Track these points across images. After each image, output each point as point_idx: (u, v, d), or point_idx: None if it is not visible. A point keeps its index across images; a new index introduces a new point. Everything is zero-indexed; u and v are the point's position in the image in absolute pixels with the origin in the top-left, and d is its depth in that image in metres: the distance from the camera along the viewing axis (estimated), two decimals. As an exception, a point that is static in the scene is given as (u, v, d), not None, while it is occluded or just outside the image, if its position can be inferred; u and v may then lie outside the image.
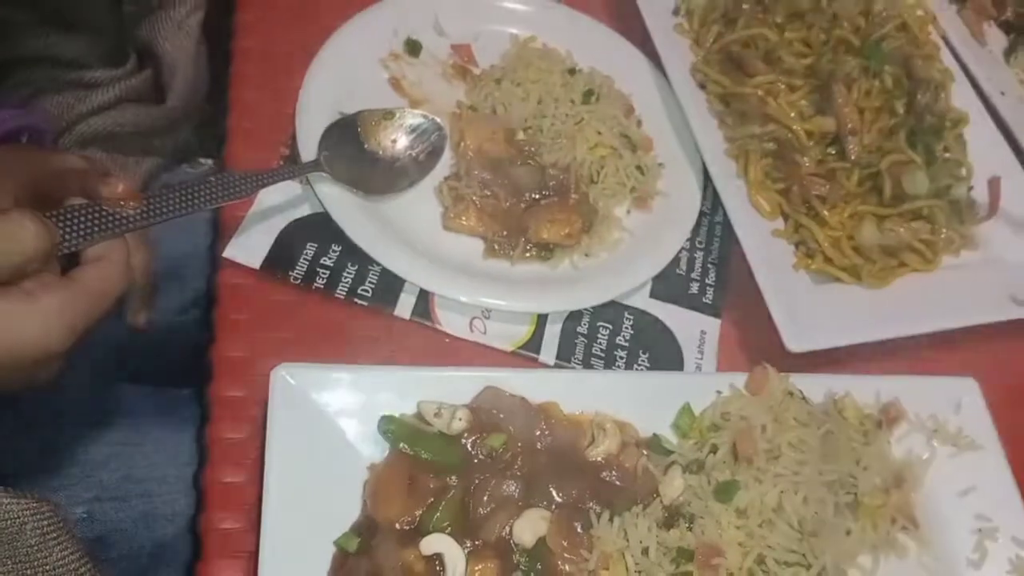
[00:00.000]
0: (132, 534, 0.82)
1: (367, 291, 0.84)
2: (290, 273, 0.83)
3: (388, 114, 0.93)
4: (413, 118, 0.94)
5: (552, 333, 0.87)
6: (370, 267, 0.85)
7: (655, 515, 0.74)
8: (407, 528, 0.70)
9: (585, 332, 0.89)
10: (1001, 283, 0.99)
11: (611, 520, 0.73)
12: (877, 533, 0.80)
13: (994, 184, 1.05)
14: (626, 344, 0.89)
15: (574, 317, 0.89)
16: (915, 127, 1.01)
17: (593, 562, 0.70)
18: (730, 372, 0.85)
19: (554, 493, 0.73)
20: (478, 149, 0.92)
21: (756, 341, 0.90)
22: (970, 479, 0.84)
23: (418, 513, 0.71)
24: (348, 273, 0.85)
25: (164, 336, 0.97)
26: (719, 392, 0.82)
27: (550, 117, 0.95)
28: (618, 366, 0.87)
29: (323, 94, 0.92)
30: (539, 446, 0.75)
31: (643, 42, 1.05)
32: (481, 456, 0.74)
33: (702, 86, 1.05)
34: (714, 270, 0.96)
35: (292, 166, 0.87)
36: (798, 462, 0.76)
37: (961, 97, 1.11)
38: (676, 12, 1.10)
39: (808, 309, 0.90)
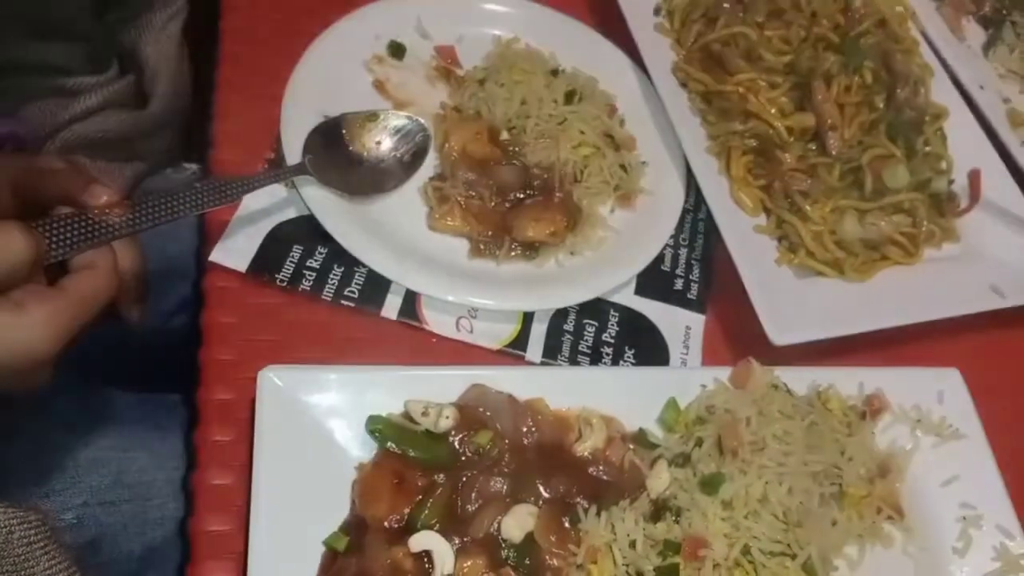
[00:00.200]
0: (122, 538, 0.83)
1: (354, 292, 0.85)
2: (276, 276, 0.84)
3: (372, 116, 0.94)
4: (397, 120, 0.95)
5: (538, 331, 0.88)
6: (356, 269, 0.86)
7: (642, 509, 0.75)
8: (396, 526, 0.71)
9: (571, 329, 0.89)
10: (983, 274, 1.00)
11: (598, 514, 0.73)
12: (862, 523, 0.81)
13: (974, 177, 1.06)
14: (612, 341, 0.90)
15: (560, 315, 0.89)
16: (895, 121, 1.03)
17: (581, 556, 0.71)
18: (715, 366, 0.86)
19: (541, 489, 0.74)
20: (462, 150, 0.93)
21: (741, 336, 0.91)
22: (954, 468, 0.85)
23: (406, 511, 0.71)
24: (334, 275, 0.85)
25: (152, 341, 0.97)
26: (704, 386, 0.83)
27: (534, 117, 0.96)
28: (604, 362, 0.88)
29: (307, 98, 0.93)
30: (526, 442, 0.76)
31: (625, 42, 1.06)
32: (468, 453, 0.74)
33: (684, 84, 1.06)
34: (698, 266, 0.97)
35: (277, 170, 0.87)
36: (783, 453, 0.77)
37: (941, 92, 1.12)
38: (657, 12, 1.11)
39: (791, 303, 0.91)
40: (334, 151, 0.91)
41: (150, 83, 0.88)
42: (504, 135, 0.95)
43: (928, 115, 1.07)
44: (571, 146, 0.95)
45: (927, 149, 1.05)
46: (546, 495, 0.74)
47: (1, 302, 0.57)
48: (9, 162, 0.66)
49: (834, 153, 1.00)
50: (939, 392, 0.89)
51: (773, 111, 1.01)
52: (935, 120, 1.08)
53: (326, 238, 0.85)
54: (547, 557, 0.71)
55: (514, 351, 0.86)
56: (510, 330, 0.87)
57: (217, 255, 0.83)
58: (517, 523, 0.71)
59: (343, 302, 0.84)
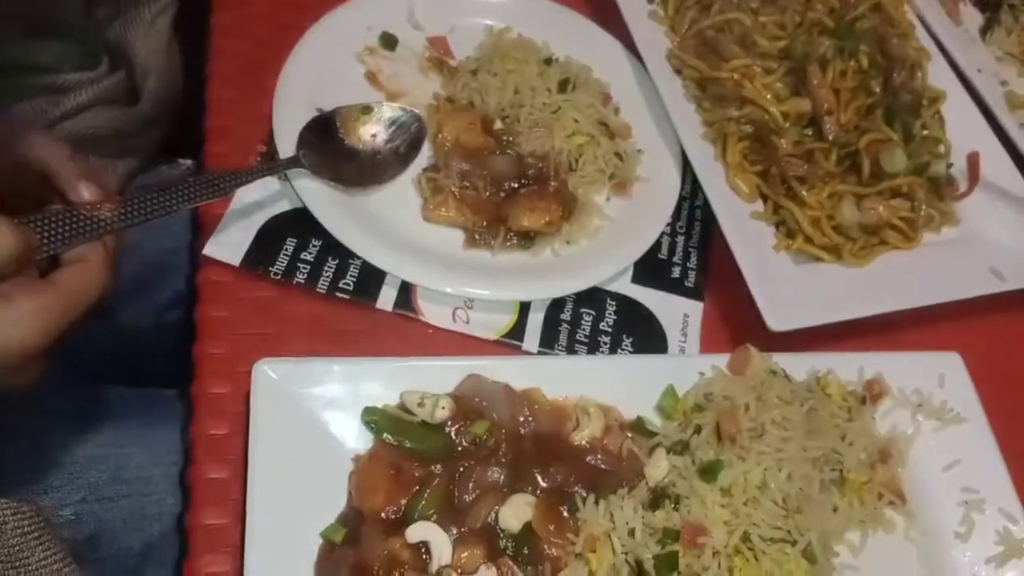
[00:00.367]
0: (121, 534, 0.82)
1: (348, 285, 0.85)
2: (270, 269, 0.83)
3: (366, 109, 0.94)
4: (391, 111, 0.94)
5: (535, 321, 0.87)
6: (351, 261, 0.85)
7: (641, 497, 0.74)
8: (393, 517, 0.70)
9: (568, 319, 0.89)
10: (982, 258, 0.99)
11: (597, 503, 0.73)
12: (864, 509, 0.80)
13: (973, 160, 1.06)
14: (609, 329, 0.89)
15: (557, 304, 0.89)
16: (892, 105, 1.02)
17: (580, 545, 0.70)
18: (713, 353, 0.86)
19: (539, 478, 0.73)
20: (456, 140, 0.93)
21: (739, 322, 0.90)
22: (956, 453, 0.85)
23: (403, 502, 0.71)
24: (329, 267, 0.85)
25: (147, 337, 0.97)
26: (702, 373, 0.83)
27: (527, 107, 0.95)
28: (602, 351, 0.87)
29: (299, 90, 0.92)
30: (523, 432, 0.75)
31: (619, 30, 1.06)
32: (465, 444, 0.74)
33: (678, 72, 1.05)
34: (695, 254, 0.97)
35: (270, 162, 0.87)
36: (782, 439, 0.76)
37: (938, 75, 1.11)
38: (651, -1, 1.10)
39: (789, 289, 0.91)
40: (328, 144, 0.90)
41: (140, 79, 0.88)
42: (498, 124, 0.95)
43: (925, 99, 1.06)
44: (565, 135, 0.94)
45: (925, 133, 1.04)
46: (544, 484, 0.73)
47: None
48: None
49: (831, 138, 0.99)
50: (940, 376, 0.88)
51: (768, 97, 1.00)
52: (933, 104, 1.07)
53: (320, 231, 0.85)
54: (545, 546, 0.70)
55: (511, 341, 0.86)
56: (507, 320, 0.87)
57: (210, 249, 0.83)
58: (515, 513, 0.71)
59: (338, 294, 0.84)
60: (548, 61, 1.00)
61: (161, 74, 0.88)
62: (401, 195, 0.91)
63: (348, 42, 0.98)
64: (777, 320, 0.86)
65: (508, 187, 0.91)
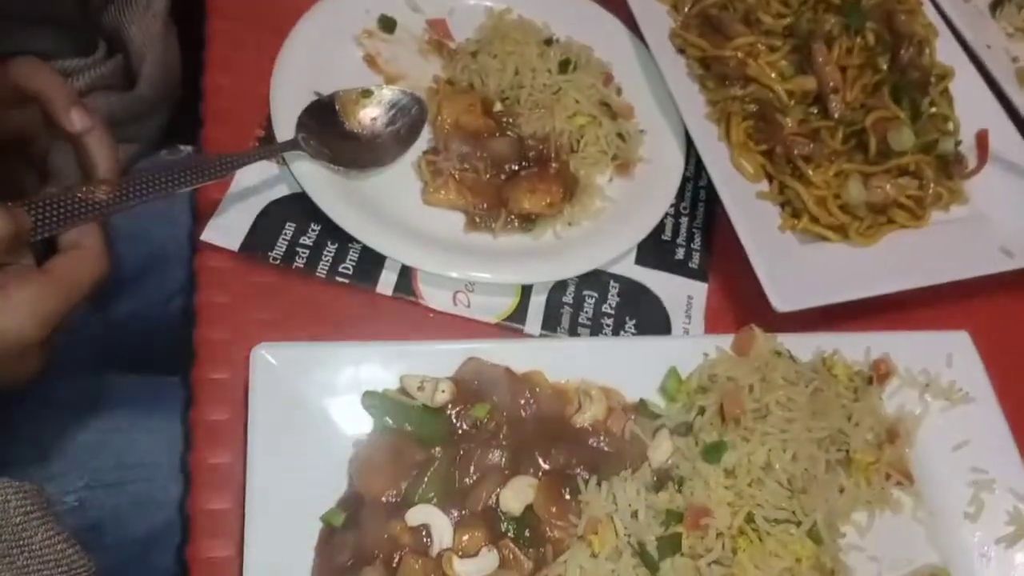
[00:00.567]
0: (125, 520, 0.82)
1: (348, 269, 0.84)
2: (269, 254, 0.83)
3: (366, 92, 0.93)
4: (391, 94, 0.94)
5: (537, 304, 0.87)
6: (350, 245, 0.85)
7: (644, 479, 0.73)
8: (393, 501, 0.70)
9: (570, 301, 0.88)
10: (991, 236, 0.98)
11: (599, 485, 0.72)
12: (871, 489, 0.79)
13: (982, 137, 1.04)
14: (612, 312, 0.88)
15: (559, 287, 0.88)
16: (899, 83, 1.00)
17: (581, 527, 0.70)
18: (717, 334, 0.85)
19: (541, 460, 0.73)
20: (455, 123, 0.92)
21: (744, 304, 0.89)
22: (964, 432, 0.84)
23: (404, 486, 0.70)
24: (328, 252, 0.84)
25: (151, 324, 0.97)
26: (706, 355, 0.82)
27: (527, 88, 0.94)
28: (605, 334, 0.87)
29: (297, 73, 0.92)
30: (524, 415, 0.75)
31: (620, 9, 1.04)
32: (466, 427, 0.73)
33: (681, 51, 1.03)
34: (699, 235, 0.96)
35: (269, 146, 0.86)
36: (786, 420, 0.76)
37: (946, 52, 1.09)
38: (653, -22, 1.08)
39: (795, 269, 0.89)
40: (328, 128, 0.90)
41: (137, 64, 0.87)
42: (498, 107, 0.94)
43: (934, 76, 1.04)
44: (566, 116, 0.93)
45: (933, 110, 1.02)
46: (545, 467, 0.73)
47: None
48: None
49: (836, 116, 0.97)
50: (948, 355, 0.87)
51: (773, 75, 0.99)
52: (941, 81, 1.05)
53: (319, 215, 0.84)
54: (547, 529, 0.70)
55: (513, 324, 0.85)
56: (508, 303, 0.86)
57: (208, 234, 0.83)
58: (516, 495, 0.70)
59: (338, 279, 0.83)
60: (548, 42, 0.99)
61: (157, 58, 0.88)
62: (401, 178, 0.90)
63: (346, 25, 0.97)
64: (782, 300, 0.85)
65: (509, 169, 0.91)
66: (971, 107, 1.05)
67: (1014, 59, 1.19)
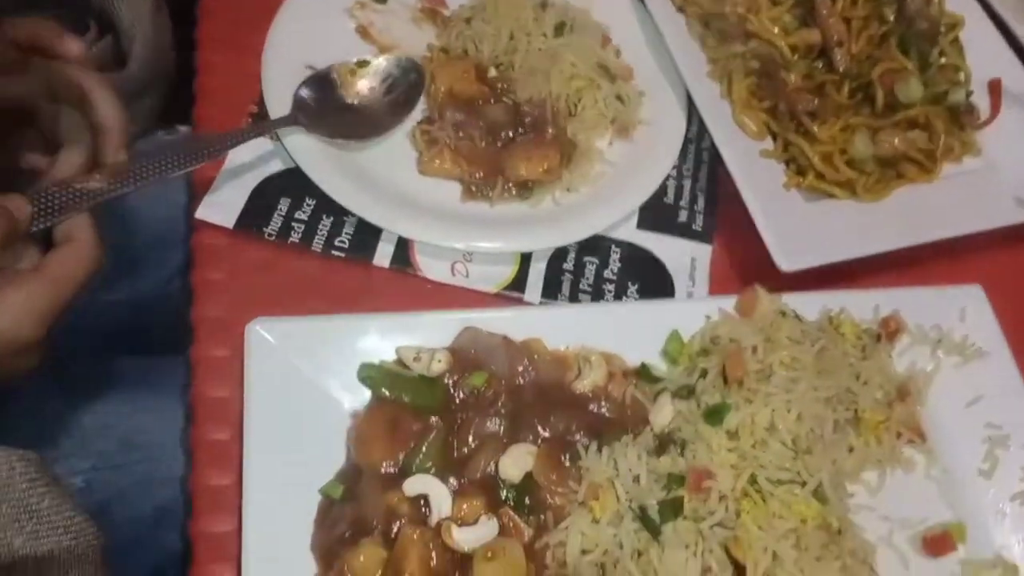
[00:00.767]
0: (132, 500, 0.83)
1: (344, 243, 0.83)
2: (264, 229, 0.82)
3: (362, 63, 0.92)
4: (388, 62, 0.92)
5: (537, 271, 0.86)
6: (346, 218, 0.84)
7: (645, 443, 0.72)
8: (391, 472, 0.70)
9: (571, 268, 0.87)
10: (1006, 187, 0.95)
11: (600, 451, 0.71)
12: (881, 448, 0.78)
13: (995, 87, 1.00)
14: (614, 278, 0.87)
15: (559, 254, 0.87)
16: (907, 34, 0.97)
17: (582, 493, 0.69)
18: (719, 296, 0.83)
19: (540, 428, 0.72)
20: (450, 91, 0.90)
21: (749, 265, 0.87)
22: (978, 388, 0.82)
23: (401, 456, 0.70)
24: (324, 226, 0.84)
25: (152, 305, 0.98)
26: (708, 317, 0.81)
27: (522, 52, 0.93)
28: (606, 300, 0.85)
29: (289, 47, 0.91)
30: (522, 382, 0.74)
31: (617, -30, 1.02)
32: (463, 396, 0.73)
33: (680, 9, 1.01)
34: (702, 196, 0.94)
35: (266, 121, 0.86)
36: (791, 380, 0.74)
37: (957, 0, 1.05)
38: (650, -65, 1.06)
39: (800, 227, 0.88)
40: (325, 101, 0.89)
41: (127, 44, 0.87)
42: (492, 72, 0.92)
43: (943, 25, 1.01)
44: (563, 79, 0.92)
45: (942, 60, 0.99)
46: (544, 434, 0.72)
47: None
48: None
49: (842, 70, 0.95)
50: (961, 310, 0.85)
51: (775, 30, 0.96)
52: (951, 30, 1.01)
53: (313, 189, 0.83)
54: (547, 496, 0.69)
55: (512, 293, 0.84)
56: (507, 272, 0.85)
57: (203, 212, 0.82)
58: (515, 463, 0.70)
59: (334, 253, 0.83)
60: (544, 5, 0.97)
61: (147, 38, 0.87)
62: (395, 150, 0.89)
63: (337, -3, 0.96)
64: (787, 260, 0.83)
65: (505, 136, 0.89)
66: (982, 55, 1.02)
67: (1028, 4, 1.15)
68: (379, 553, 0.65)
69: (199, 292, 0.80)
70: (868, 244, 0.87)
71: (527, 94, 0.91)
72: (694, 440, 0.71)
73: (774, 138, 0.95)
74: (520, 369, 0.74)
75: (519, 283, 0.85)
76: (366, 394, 0.73)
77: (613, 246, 0.89)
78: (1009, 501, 0.77)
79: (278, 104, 0.87)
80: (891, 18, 0.98)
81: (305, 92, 0.88)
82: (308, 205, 0.85)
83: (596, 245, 0.88)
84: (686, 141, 0.95)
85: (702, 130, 0.96)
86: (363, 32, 0.96)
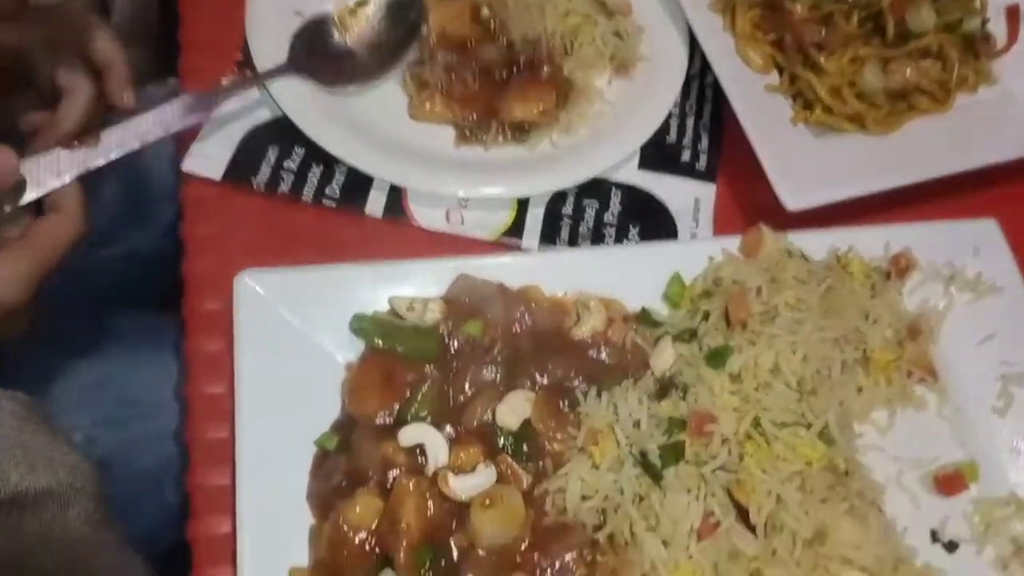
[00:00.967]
0: (133, 455, 0.83)
1: (334, 192, 0.81)
2: (253, 180, 0.81)
3: (360, 3, 0.88)
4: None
5: (535, 217, 0.83)
6: (336, 167, 0.82)
7: (646, 388, 0.71)
8: (387, 422, 0.68)
9: (570, 213, 0.84)
10: (1022, 117, 0.91)
11: (599, 396, 0.70)
12: (891, 388, 0.76)
13: (1013, 13, 0.97)
14: (614, 221, 0.85)
15: (557, 198, 0.85)
16: (918, -42, 0.92)
17: (581, 439, 0.68)
18: (722, 236, 0.81)
19: (537, 375, 0.71)
20: (442, 32, 0.87)
21: (755, 205, 0.85)
22: (992, 325, 0.79)
23: (396, 406, 0.69)
24: (313, 175, 0.82)
25: (148, 260, 0.96)
26: (711, 258, 0.78)
27: (515, -13, 0.89)
28: (607, 244, 0.83)
29: (274, -7, 0.88)
30: (519, 330, 0.72)
31: (613, -101, 0.97)
32: (458, 344, 0.71)
33: (680, -61, 0.97)
34: (706, 135, 0.91)
35: (265, 71, 0.83)
36: (796, 321, 0.72)
37: (973, -79, 1.00)
38: None
39: (807, 164, 0.85)
40: (321, 47, 0.86)
41: (109, -6, 0.85)
42: (484, 11, 0.89)
43: (957, -53, 0.96)
44: (558, 16, 0.88)
45: (958, -14, 0.94)
46: (543, 381, 0.71)
47: None
48: None
49: (850, -2, 0.91)
50: (975, 246, 0.82)
51: (780, -42, 0.92)
52: (965, -48, 0.97)
53: (302, 138, 0.81)
54: (546, 442, 0.68)
55: (510, 240, 0.82)
56: (504, 218, 0.83)
57: (189, 164, 0.81)
58: (512, 410, 0.68)
59: (324, 203, 0.81)
60: (538, -61, 0.93)
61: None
62: (385, 95, 0.87)
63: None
64: (793, 198, 0.80)
65: (498, 77, 0.86)
66: (999, -22, 0.97)
67: (1049, -77, 1.09)
68: (375, 503, 0.64)
69: (189, 246, 0.79)
70: (878, 180, 0.84)
71: (521, 32, 0.87)
72: (696, 384, 0.69)
73: (780, 72, 0.91)
74: (517, 316, 0.72)
75: (516, 229, 0.82)
76: (359, 345, 0.72)
77: (613, 188, 0.86)
78: (1024, 439, 0.75)
79: (264, 51, 0.84)
80: (902, -58, 0.93)
81: (301, 38, 0.85)
82: (297, 154, 0.82)
83: (596, 188, 0.86)
84: (688, 77, 0.92)
85: (705, 65, 0.92)
86: (351, -26, 0.92)
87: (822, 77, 0.88)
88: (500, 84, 0.86)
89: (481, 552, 0.64)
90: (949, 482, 0.72)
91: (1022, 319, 0.79)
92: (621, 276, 0.77)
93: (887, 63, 0.90)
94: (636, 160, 0.88)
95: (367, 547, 0.64)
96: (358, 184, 0.82)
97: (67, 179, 0.64)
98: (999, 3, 0.96)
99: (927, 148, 0.88)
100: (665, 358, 0.71)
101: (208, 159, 0.81)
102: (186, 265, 0.78)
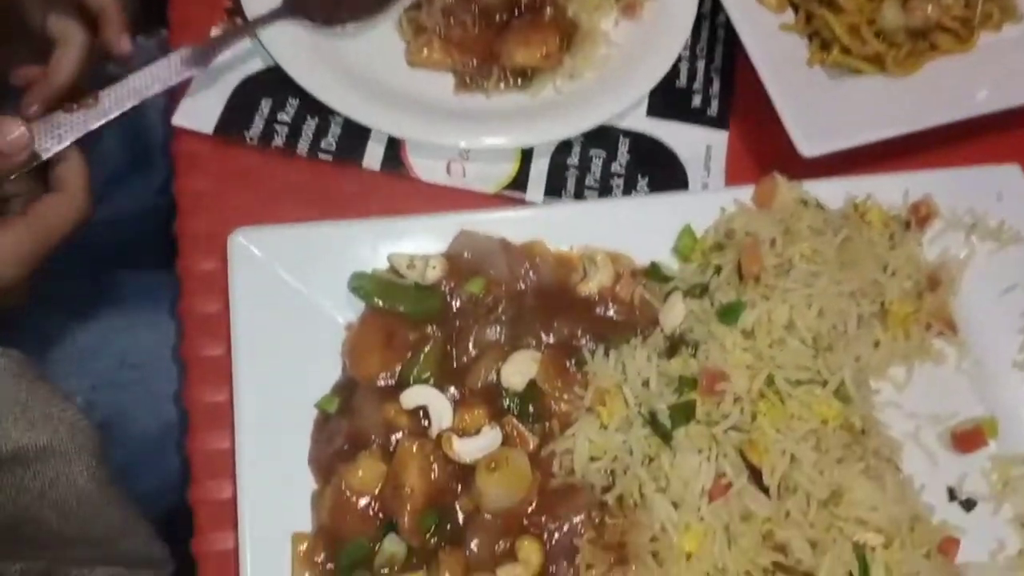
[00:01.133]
0: (136, 419, 0.82)
1: (331, 144, 0.78)
2: (246, 134, 0.78)
3: None
4: None
5: (539, 168, 0.80)
6: (332, 118, 0.79)
7: (655, 345, 0.69)
8: (389, 384, 0.67)
9: (576, 163, 0.81)
10: (1050, 56, 0.87)
11: (606, 354, 0.68)
12: (910, 342, 0.73)
13: (1042, -57, 0.91)
14: (622, 171, 0.82)
15: (563, 148, 0.82)
16: None
17: (589, 399, 0.66)
18: (735, 186, 0.78)
19: (543, 334, 0.68)
20: (438, -27, 0.83)
21: (770, 152, 0.82)
22: (1014, 275, 0.77)
23: (398, 368, 0.67)
24: (308, 127, 0.79)
25: (145, 219, 0.94)
26: (723, 209, 0.75)
27: (515, -76, 0.85)
28: (615, 195, 0.80)
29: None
30: (523, 287, 0.70)
31: None
32: (460, 303, 0.69)
33: None
34: (718, 79, 0.87)
35: (259, 16, 0.79)
36: (811, 274, 0.69)
37: None
38: None
39: (824, 108, 0.81)
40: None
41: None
42: (484, -49, 0.85)
43: None
44: (561, -47, 0.84)
45: (985, -84, 0.89)
46: (548, 340, 0.68)
47: None
48: None
49: (870, -70, 0.86)
50: (998, 192, 0.79)
51: None
52: None
53: (297, 89, 0.78)
54: (552, 403, 0.66)
55: (513, 193, 0.79)
56: (507, 170, 0.80)
57: (180, 118, 0.78)
58: (518, 370, 0.66)
59: (320, 156, 0.78)
60: None
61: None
62: (381, 42, 0.83)
63: None
64: (809, 143, 0.77)
65: (499, 19, 0.83)
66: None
67: None
68: (378, 467, 0.63)
69: (182, 203, 0.77)
70: (898, 124, 0.80)
71: (522, -28, 0.83)
72: (707, 340, 0.67)
73: (795, 10, 0.88)
74: (521, 273, 0.70)
75: (520, 182, 0.80)
76: (359, 304, 0.69)
77: (621, 136, 0.83)
78: (1046, 393, 0.73)
79: (254, -2, 0.80)
80: None
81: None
82: (291, 105, 0.79)
83: (603, 136, 0.82)
84: (699, 18, 0.88)
85: (716, 5, 0.89)
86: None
87: (839, 15, 0.85)
88: (501, 27, 0.82)
89: (487, 516, 0.62)
90: (967, 438, 0.70)
91: (1047, 269, 0.76)
92: (629, 229, 0.74)
93: (907, 0, 0.85)
94: (645, 107, 0.85)
95: (370, 512, 0.63)
96: (355, 136, 0.79)
97: (68, 142, 0.64)
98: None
99: (949, 90, 0.84)
100: (675, 314, 0.69)
101: (199, 112, 0.78)
102: (180, 223, 0.76)
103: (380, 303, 0.68)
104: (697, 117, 0.85)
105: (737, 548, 0.60)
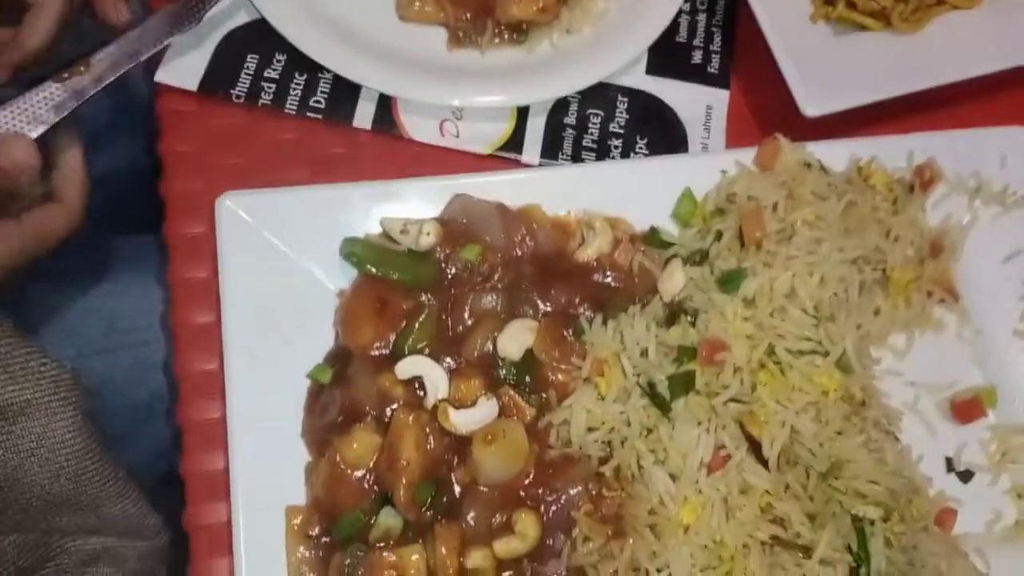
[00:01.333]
0: (124, 387, 0.80)
1: (320, 102, 0.76)
2: (231, 92, 0.75)
3: None
4: None
5: (535, 128, 0.78)
6: (321, 75, 0.76)
7: (654, 314, 0.67)
8: (383, 353, 0.65)
9: (573, 123, 0.79)
10: (1061, 13, 0.84)
11: (604, 323, 0.67)
12: (911, 309, 0.73)
13: None
14: (621, 131, 0.79)
15: (559, 107, 0.79)
16: None
17: (587, 369, 0.65)
18: (736, 149, 0.76)
19: (540, 302, 0.67)
20: (430, -80, 0.80)
21: (772, 112, 0.80)
22: (1018, 241, 0.76)
23: (392, 337, 0.65)
24: (296, 84, 0.76)
25: (128, 182, 0.91)
26: (724, 172, 0.73)
27: None
28: (612, 157, 0.78)
29: None
30: (519, 253, 0.68)
31: None
32: (456, 270, 0.67)
33: None
34: (720, 34, 0.85)
35: None
36: (814, 240, 0.68)
37: None
38: None
39: (828, 66, 0.79)
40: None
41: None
42: (478, -102, 0.81)
43: None
44: (559, -99, 0.80)
45: None
46: (545, 308, 0.67)
47: None
48: None
49: None
50: (1002, 156, 0.77)
51: None
52: None
53: (284, 44, 0.75)
54: (549, 373, 0.65)
55: (508, 154, 0.77)
56: (502, 130, 0.78)
57: (163, 75, 0.75)
58: (514, 339, 0.65)
59: (309, 115, 0.76)
60: None
61: None
62: (372, -6, 0.80)
63: None
64: (812, 103, 0.75)
65: (494, -29, 0.79)
66: None
67: None
68: (373, 439, 0.62)
69: (168, 164, 0.74)
70: (904, 82, 0.78)
71: (518, -80, 0.80)
72: (707, 309, 0.66)
73: (800, -37, 0.84)
74: (517, 239, 0.68)
75: (516, 142, 0.77)
76: (351, 270, 0.68)
77: (620, 95, 0.81)
78: (1047, 362, 0.72)
79: (237, -56, 0.77)
80: None
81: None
82: (278, 61, 0.76)
83: (600, 95, 0.80)
84: (701, -30, 0.85)
85: (718, -43, 0.85)
86: None
87: (845, -33, 0.81)
88: (496, -21, 0.79)
89: (483, 488, 0.62)
90: (966, 408, 0.70)
91: (1051, 235, 0.75)
92: (628, 193, 0.72)
93: (916, -48, 0.83)
94: (644, 64, 0.82)
95: (365, 485, 0.62)
96: (345, 94, 0.76)
97: (66, 112, 0.62)
98: None
99: (956, 47, 0.82)
100: (675, 281, 0.68)
101: (182, 69, 0.75)
102: (165, 185, 0.74)
103: (373, 270, 0.67)
104: (698, 75, 0.83)
105: (735, 521, 0.60)
